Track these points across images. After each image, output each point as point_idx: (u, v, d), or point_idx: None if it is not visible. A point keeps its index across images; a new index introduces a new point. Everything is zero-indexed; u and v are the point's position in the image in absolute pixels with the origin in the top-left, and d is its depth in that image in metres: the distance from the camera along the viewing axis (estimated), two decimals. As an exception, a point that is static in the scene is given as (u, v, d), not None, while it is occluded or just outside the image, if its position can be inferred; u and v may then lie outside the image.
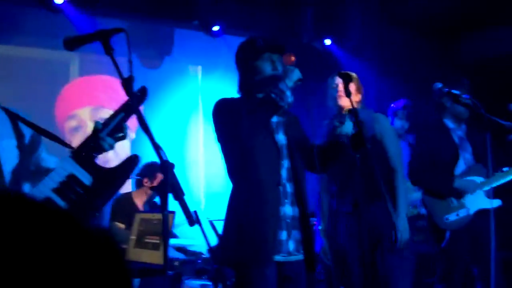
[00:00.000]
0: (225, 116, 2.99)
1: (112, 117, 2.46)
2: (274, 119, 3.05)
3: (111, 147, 2.45)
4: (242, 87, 3.13)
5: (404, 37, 6.51)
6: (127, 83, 2.29)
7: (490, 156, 3.73)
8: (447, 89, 3.41)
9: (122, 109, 2.45)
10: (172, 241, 4.78)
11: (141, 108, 2.42)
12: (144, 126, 2.25)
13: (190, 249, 4.97)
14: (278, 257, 2.93)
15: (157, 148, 2.23)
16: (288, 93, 2.88)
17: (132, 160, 2.48)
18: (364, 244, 3.30)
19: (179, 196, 2.20)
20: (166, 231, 2.23)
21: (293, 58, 2.95)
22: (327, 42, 7.09)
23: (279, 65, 3.04)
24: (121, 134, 2.47)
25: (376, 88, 6.38)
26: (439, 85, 3.44)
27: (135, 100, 2.35)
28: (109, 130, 2.43)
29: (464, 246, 4.04)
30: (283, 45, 3.12)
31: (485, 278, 3.92)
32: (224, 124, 2.99)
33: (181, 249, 4.93)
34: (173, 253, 4.79)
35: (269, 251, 2.89)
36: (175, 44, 6.71)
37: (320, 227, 3.69)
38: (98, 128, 2.41)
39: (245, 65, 3.10)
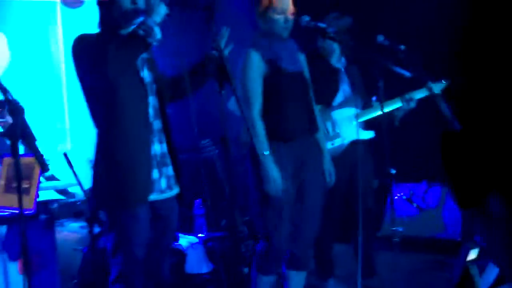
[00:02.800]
0: (87, 54, 2.82)
1: None
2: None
3: None
4: (102, 23, 3.00)
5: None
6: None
7: (364, 88, 3.83)
8: (313, 23, 3.43)
9: None
10: (52, 183, 4.67)
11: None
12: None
13: (71, 190, 4.87)
14: (151, 196, 2.93)
15: (3, 90, 2.14)
16: (157, 29, 2.80)
17: None
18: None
19: (30, 141, 2.13)
20: (19, 176, 2.15)
21: None
22: None
23: None
24: None
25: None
26: (306, 18, 3.44)
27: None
28: None
29: (339, 174, 4.19)
30: None
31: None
32: (87, 62, 2.83)
33: (61, 191, 4.82)
34: (53, 196, 4.68)
35: (143, 192, 2.87)
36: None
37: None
38: None
39: None
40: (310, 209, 3.62)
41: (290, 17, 3.50)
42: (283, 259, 3.67)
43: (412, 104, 4.12)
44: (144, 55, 2.97)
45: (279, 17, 3.48)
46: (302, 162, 3.58)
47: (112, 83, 2.77)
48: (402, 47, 3.55)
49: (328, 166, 3.75)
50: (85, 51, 2.83)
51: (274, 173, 3.41)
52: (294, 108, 3.52)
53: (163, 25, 2.83)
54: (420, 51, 3.54)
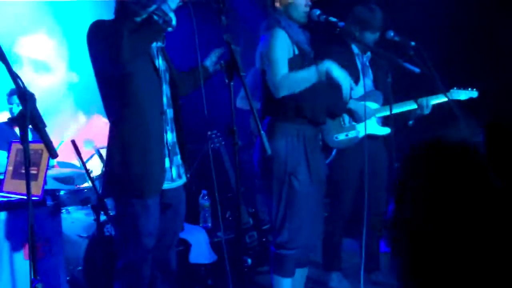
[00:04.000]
0: (102, 39, 2.79)
1: None
2: (153, 44, 2.96)
3: None
4: (118, 10, 2.98)
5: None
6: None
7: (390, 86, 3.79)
8: (324, 16, 3.41)
9: None
10: (59, 172, 4.69)
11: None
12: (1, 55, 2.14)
13: (79, 178, 4.89)
14: (165, 184, 2.94)
15: (14, 77, 2.14)
16: (171, 15, 2.81)
17: None
18: None
19: (40, 127, 2.14)
20: (28, 162, 2.16)
21: None
22: None
23: None
24: None
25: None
26: (316, 11, 3.43)
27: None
28: None
29: (351, 167, 4.18)
30: None
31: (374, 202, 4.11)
32: (102, 47, 2.80)
33: (67, 178, 4.83)
34: (58, 185, 4.68)
35: (157, 182, 2.87)
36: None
37: None
38: None
39: None
40: (319, 204, 3.61)
41: (309, 2, 3.45)
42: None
43: (427, 111, 4.11)
44: (159, 44, 2.97)
45: (299, 1, 3.43)
46: (314, 149, 3.52)
47: (126, 68, 2.75)
48: (413, 43, 3.52)
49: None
50: (99, 37, 2.81)
51: (339, 71, 3.28)
52: (318, 93, 3.44)
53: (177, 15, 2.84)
54: (433, 50, 3.50)
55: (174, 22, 2.82)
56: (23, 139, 2.12)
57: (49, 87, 6.21)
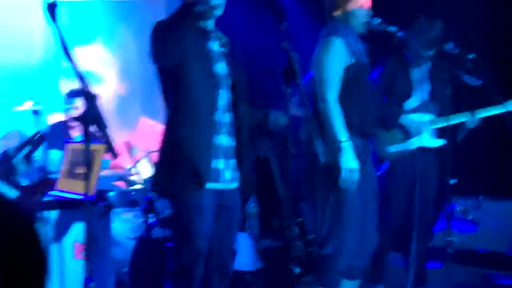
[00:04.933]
0: (159, 38, 2.84)
1: None
2: (215, 47, 2.98)
3: None
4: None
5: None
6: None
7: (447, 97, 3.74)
8: (384, 25, 3.39)
9: None
10: (111, 172, 4.74)
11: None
12: (67, 53, 2.18)
13: (132, 179, 4.93)
14: (216, 185, 2.94)
15: (80, 77, 2.18)
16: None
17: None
18: None
19: (102, 128, 2.16)
20: (88, 162, 2.19)
21: None
22: None
23: None
24: None
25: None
26: (377, 20, 3.40)
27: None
28: None
29: (400, 180, 4.12)
30: None
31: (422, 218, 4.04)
32: (157, 47, 2.84)
33: (121, 178, 4.88)
34: (110, 185, 4.74)
35: (202, 179, 2.88)
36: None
37: None
38: None
39: None
40: (373, 215, 3.56)
41: (369, 11, 3.45)
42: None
43: (475, 122, 4.03)
44: (221, 48, 2.99)
45: (361, 11, 3.43)
46: (364, 161, 3.47)
47: (178, 64, 2.81)
48: (471, 55, 3.46)
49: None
50: (158, 36, 2.84)
51: (352, 163, 3.28)
52: (370, 104, 3.44)
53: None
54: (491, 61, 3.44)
55: (219, 12, 2.82)
56: (86, 138, 2.15)
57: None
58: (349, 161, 3.27)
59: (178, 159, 2.87)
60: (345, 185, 3.29)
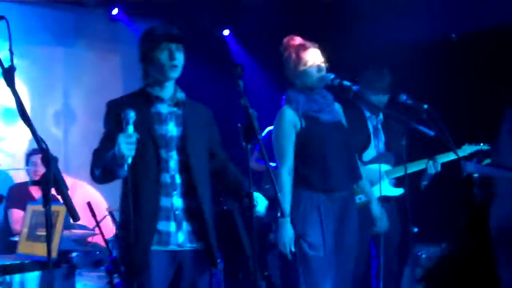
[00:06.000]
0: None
1: None
2: (165, 109, 2.99)
3: None
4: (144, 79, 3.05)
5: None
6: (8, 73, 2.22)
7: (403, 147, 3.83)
8: (338, 80, 3.48)
9: None
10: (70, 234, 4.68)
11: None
12: (24, 116, 2.18)
13: (90, 240, 4.88)
14: (169, 247, 2.92)
15: (38, 140, 2.18)
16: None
17: None
18: None
19: (62, 189, 2.16)
20: (49, 225, 2.18)
21: None
22: (226, 32, 7.25)
23: (178, 55, 2.99)
24: None
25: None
26: (330, 76, 3.50)
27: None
28: None
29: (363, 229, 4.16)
30: (180, 33, 3.02)
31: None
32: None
33: (79, 240, 4.82)
34: (71, 245, 4.66)
35: (146, 242, 2.85)
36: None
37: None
38: None
39: (145, 57, 3.01)
40: (348, 265, 3.60)
41: (322, 65, 3.57)
42: None
43: (437, 168, 4.15)
44: (173, 109, 3.00)
45: (311, 69, 3.56)
46: (342, 214, 3.56)
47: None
48: (425, 106, 3.57)
49: (377, 213, 3.84)
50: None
51: (287, 236, 3.46)
52: (334, 158, 3.53)
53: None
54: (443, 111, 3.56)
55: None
56: (46, 201, 2.15)
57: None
58: (285, 233, 3.46)
59: (127, 220, 2.83)
60: (283, 251, 3.52)
